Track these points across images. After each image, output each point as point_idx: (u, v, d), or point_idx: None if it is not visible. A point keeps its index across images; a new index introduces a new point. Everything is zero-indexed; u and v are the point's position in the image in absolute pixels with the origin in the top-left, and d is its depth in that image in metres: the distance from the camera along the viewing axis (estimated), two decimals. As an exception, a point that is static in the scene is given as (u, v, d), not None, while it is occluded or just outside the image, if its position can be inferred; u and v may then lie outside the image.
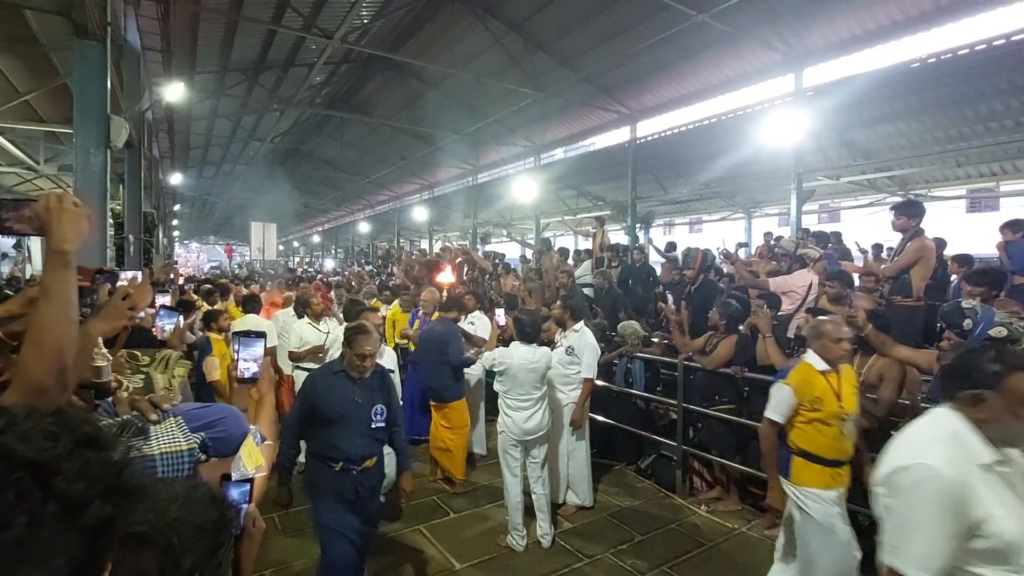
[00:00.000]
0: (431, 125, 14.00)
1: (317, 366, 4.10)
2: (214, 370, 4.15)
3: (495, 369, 3.92)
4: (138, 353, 1.56)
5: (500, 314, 4.85)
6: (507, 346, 4.07)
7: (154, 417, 1.09)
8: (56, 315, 1.05)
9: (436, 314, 5.94)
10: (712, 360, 4.46)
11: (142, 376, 1.63)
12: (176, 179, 17.43)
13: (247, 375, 1.78)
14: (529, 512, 3.91)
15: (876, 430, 3.45)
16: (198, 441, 1.23)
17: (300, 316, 5.31)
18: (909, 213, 4.46)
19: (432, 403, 4.89)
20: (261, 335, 1.89)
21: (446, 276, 5.82)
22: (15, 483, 0.43)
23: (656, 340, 5.86)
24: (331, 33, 8.55)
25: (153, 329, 2.32)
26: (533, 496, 3.93)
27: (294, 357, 5.04)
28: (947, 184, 10.34)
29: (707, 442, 4.64)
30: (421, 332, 5.25)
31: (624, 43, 9.45)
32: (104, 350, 1.41)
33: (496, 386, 3.99)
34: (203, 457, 1.24)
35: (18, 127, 8.11)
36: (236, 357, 1.80)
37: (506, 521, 3.94)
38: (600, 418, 5.17)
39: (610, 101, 11.60)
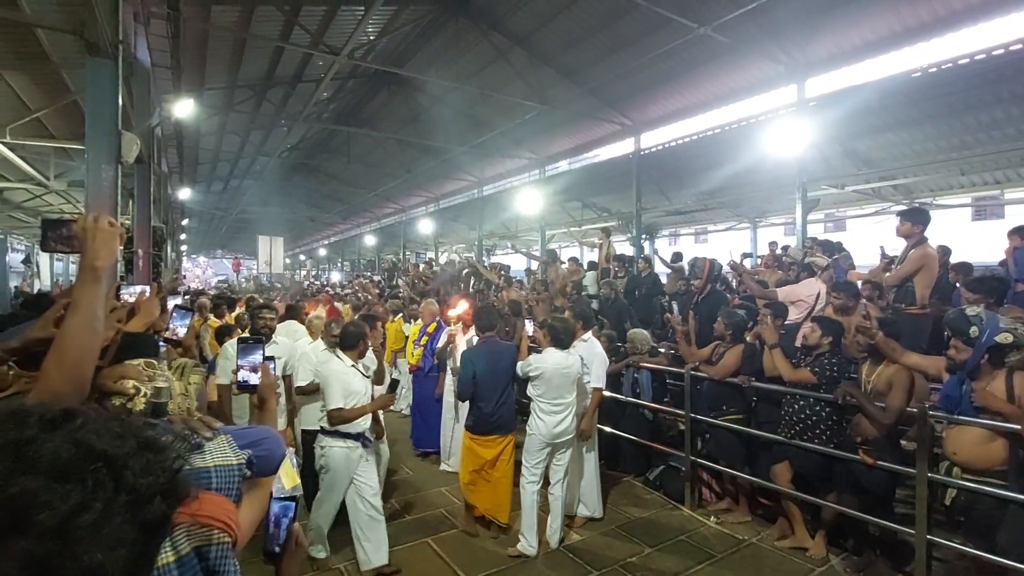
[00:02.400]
0: (437, 138, 14.14)
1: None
2: (211, 389, 3.88)
3: (531, 374, 3.97)
4: (154, 362, 1.58)
5: (528, 324, 4.79)
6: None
7: (208, 434, 1.14)
8: (82, 326, 1.10)
9: (433, 325, 5.98)
10: (718, 370, 4.44)
11: (163, 380, 1.65)
12: (185, 194, 17.62)
13: (247, 383, 1.79)
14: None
15: (884, 437, 3.44)
16: (245, 458, 1.26)
17: (332, 346, 3.94)
18: (914, 220, 4.46)
19: (478, 436, 4.09)
20: (259, 341, 1.90)
21: (459, 310, 5.77)
22: (94, 472, 0.48)
23: (662, 350, 5.84)
24: (338, 49, 8.69)
25: (167, 331, 2.35)
26: (550, 496, 4.02)
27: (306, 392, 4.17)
28: (952, 192, 10.33)
29: (716, 452, 4.61)
30: (480, 351, 4.22)
31: (628, 56, 9.55)
32: (167, 372, 1.47)
33: (530, 391, 4.04)
34: (248, 473, 1.26)
35: (29, 143, 8.24)
36: (236, 365, 1.82)
37: (515, 533, 3.95)
38: (608, 429, 5.15)
39: (614, 113, 11.69)
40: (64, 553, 0.44)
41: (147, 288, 2.35)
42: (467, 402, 4.20)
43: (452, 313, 5.23)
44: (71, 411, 0.54)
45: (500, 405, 4.05)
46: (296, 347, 4.52)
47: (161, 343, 2.15)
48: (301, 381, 4.21)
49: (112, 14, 4.22)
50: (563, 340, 3.98)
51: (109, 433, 0.52)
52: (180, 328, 2.39)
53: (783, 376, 3.91)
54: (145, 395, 1.37)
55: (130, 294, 2.20)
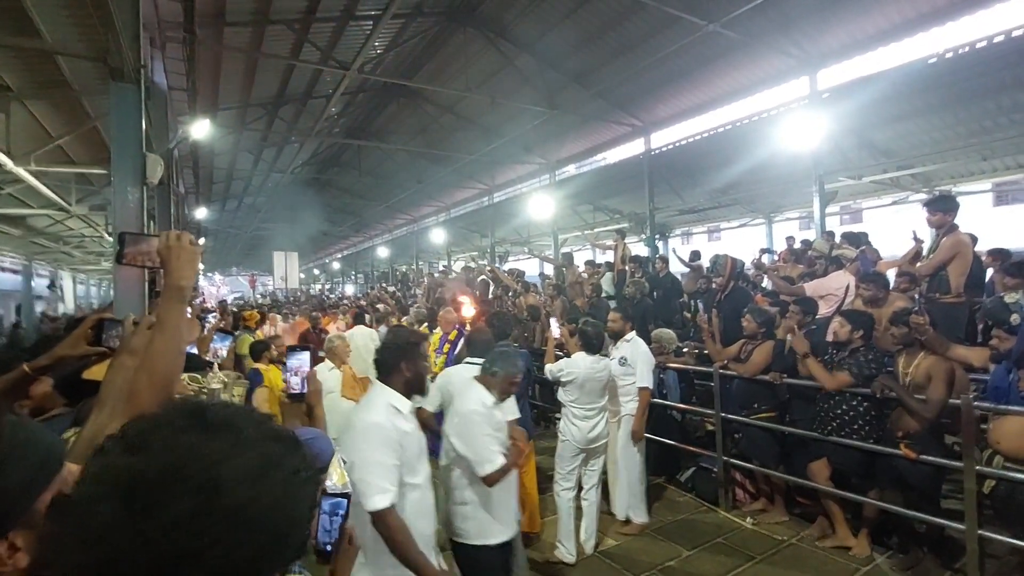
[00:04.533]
0: (446, 148, 14.21)
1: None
2: (263, 402, 3.92)
3: (562, 379, 3.95)
4: (199, 376, 1.61)
5: (554, 325, 4.73)
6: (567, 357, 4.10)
7: None
8: (168, 345, 1.12)
9: (454, 333, 5.98)
10: (748, 367, 4.38)
11: (205, 396, 1.69)
12: (201, 213, 17.86)
13: (293, 390, 1.83)
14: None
15: (926, 431, 3.35)
16: None
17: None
18: (944, 208, 4.38)
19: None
20: (307, 348, 1.95)
21: (468, 310, 5.78)
22: (301, 455, 0.67)
23: (686, 350, 5.79)
24: (347, 64, 8.78)
25: (208, 352, 2.41)
26: (584, 502, 3.99)
27: None
28: (973, 179, 10.14)
29: (748, 451, 4.54)
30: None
31: (636, 57, 9.53)
32: (211, 385, 1.51)
33: (561, 396, 4.03)
34: None
35: (51, 170, 8.41)
36: (285, 373, 1.86)
37: (545, 540, 3.92)
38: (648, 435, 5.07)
39: (623, 115, 11.66)
40: (287, 499, 0.61)
41: (188, 309, 2.40)
42: None
43: (464, 313, 5.24)
44: (264, 416, 0.70)
45: (520, 412, 3.94)
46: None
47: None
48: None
49: (134, 40, 4.29)
50: (594, 345, 3.94)
51: (278, 428, 0.69)
52: (221, 349, 2.44)
53: (824, 385, 3.77)
54: None
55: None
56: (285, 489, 0.61)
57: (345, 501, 1.31)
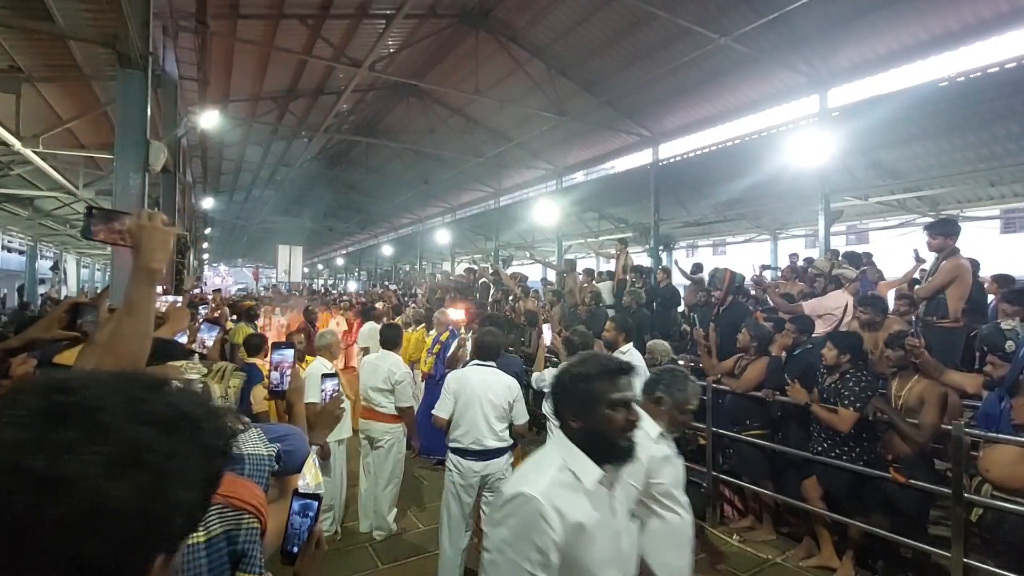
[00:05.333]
0: (454, 149, 14.23)
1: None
2: (262, 400, 3.85)
3: (544, 389, 3.73)
4: (198, 364, 1.61)
5: (547, 332, 4.61)
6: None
7: (240, 426, 1.18)
8: (137, 329, 1.10)
9: (446, 334, 5.98)
10: (741, 383, 4.35)
11: (201, 385, 1.68)
12: (208, 203, 17.94)
13: (275, 386, 1.82)
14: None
15: (916, 455, 3.32)
16: (275, 450, 1.32)
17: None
18: (945, 232, 4.35)
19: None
20: (291, 345, 1.94)
21: (456, 313, 5.77)
22: (182, 428, 0.61)
23: (681, 362, 5.75)
24: (359, 62, 8.83)
25: (195, 342, 2.41)
26: None
27: None
28: (980, 204, 10.08)
29: (738, 468, 4.50)
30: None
31: (647, 67, 9.54)
32: (198, 365, 1.50)
33: (546, 408, 3.77)
34: (276, 466, 1.31)
35: (60, 153, 8.47)
36: (268, 370, 1.85)
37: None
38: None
39: (632, 124, 11.67)
40: (157, 487, 0.57)
41: (179, 298, 2.41)
42: None
43: (453, 316, 5.20)
44: (165, 379, 0.67)
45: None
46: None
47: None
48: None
49: (143, 27, 4.32)
50: None
51: (193, 399, 0.66)
52: (208, 339, 2.43)
53: (837, 428, 3.60)
54: None
55: (162, 303, 2.24)
56: (152, 477, 0.57)
57: (316, 503, 1.25)
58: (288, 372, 1.85)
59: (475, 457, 3.39)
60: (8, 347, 1.46)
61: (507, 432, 3.55)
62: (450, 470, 3.46)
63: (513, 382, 3.63)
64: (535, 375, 3.91)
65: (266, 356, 4.43)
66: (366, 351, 6.02)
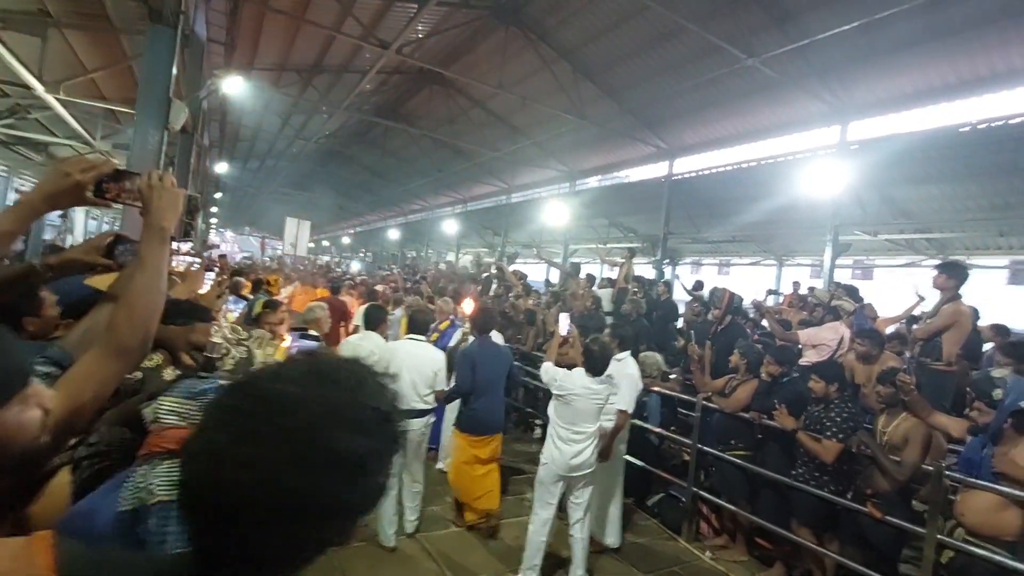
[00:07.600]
0: (471, 141, 14.25)
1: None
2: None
3: (555, 391, 3.61)
4: (239, 328, 1.65)
5: (563, 321, 4.49)
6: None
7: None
8: (149, 285, 1.13)
9: (446, 323, 5.97)
10: (730, 403, 4.37)
11: (245, 348, 1.72)
12: (222, 168, 17.99)
13: None
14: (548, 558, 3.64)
15: (895, 493, 3.34)
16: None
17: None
18: (951, 273, 4.36)
19: (473, 437, 4.26)
20: (316, 338, 1.97)
21: (468, 305, 5.77)
22: (383, 427, 0.71)
23: (673, 376, 5.78)
24: (387, 44, 8.83)
25: (219, 312, 2.46)
26: (571, 539, 3.64)
27: None
28: (988, 252, 10.10)
29: (719, 486, 4.52)
30: (479, 350, 4.42)
31: (671, 80, 9.55)
32: (239, 331, 1.54)
33: (550, 409, 3.71)
34: None
35: (80, 102, 8.49)
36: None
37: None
38: (628, 458, 5.02)
39: (650, 135, 11.67)
40: (367, 482, 0.68)
41: (198, 260, 2.48)
42: (457, 400, 4.40)
43: (466, 309, 5.23)
44: (362, 374, 0.74)
45: (494, 404, 4.31)
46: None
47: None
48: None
49: (177, -15, 4.35)
50: (596, 368, 3.57)
51: (385, 396, 0.73)
52: (232, 312, 2.47)
53: (823, 459, 3.60)
54: (234, 357, 1.43)
55: (179, 263, 2.30)
56: (382, 444, 0.69)
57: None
58: None
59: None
60: (47, 262, 1.53)
61: (431, 397, 4.08)
62: None
63: (439, 354, 4.21)
64: (546, 365, 3.77)
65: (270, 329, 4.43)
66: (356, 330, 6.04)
